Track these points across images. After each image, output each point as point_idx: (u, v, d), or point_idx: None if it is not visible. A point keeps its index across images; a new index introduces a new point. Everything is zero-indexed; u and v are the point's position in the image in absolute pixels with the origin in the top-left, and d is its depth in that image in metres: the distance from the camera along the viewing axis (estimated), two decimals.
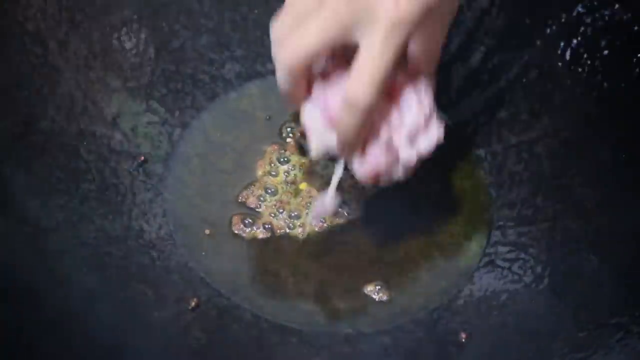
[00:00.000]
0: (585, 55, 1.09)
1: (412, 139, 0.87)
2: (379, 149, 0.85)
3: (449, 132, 0.88)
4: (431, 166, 0.93)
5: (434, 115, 0.88)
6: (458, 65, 1.19)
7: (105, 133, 1.06)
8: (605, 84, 1.07)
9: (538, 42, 1.14)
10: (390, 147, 0.86)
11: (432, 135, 0.88)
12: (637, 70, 1.04)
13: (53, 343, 0.83)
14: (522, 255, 1.00)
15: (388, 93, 0.85)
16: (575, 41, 1.10)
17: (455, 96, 1.17)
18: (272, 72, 1.19)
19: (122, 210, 1.00)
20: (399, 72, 0.87)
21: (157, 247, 0.98)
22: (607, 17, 1.07)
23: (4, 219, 0.92)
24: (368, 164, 0.85)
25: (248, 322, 0.93)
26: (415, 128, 0.86)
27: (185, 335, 0.90)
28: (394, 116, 0.85)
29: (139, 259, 0.96)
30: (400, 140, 0.85)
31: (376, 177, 0.86)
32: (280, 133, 1.11)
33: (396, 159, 0.87)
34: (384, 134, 0.85)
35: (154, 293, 0.93)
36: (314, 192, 1.04)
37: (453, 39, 1.18)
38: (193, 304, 0.91)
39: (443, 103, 1.00)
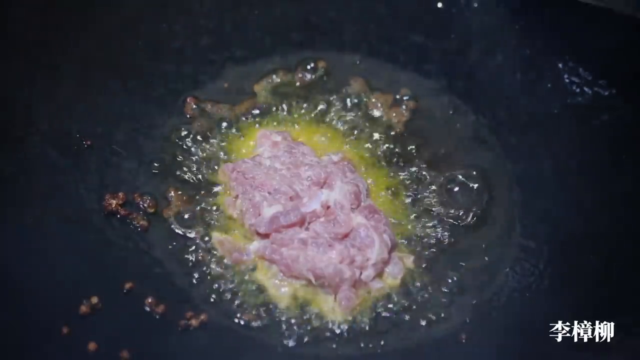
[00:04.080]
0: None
1: (378, 271, 0.95)
2: (348, 291, 0.93)
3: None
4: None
5: (396, 246, 0.98)
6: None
7: (107, 133, 1.06)
8: (607, 92, 1.08)
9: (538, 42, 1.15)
10: (359, 283, 0.94)
11: (398, 264, 0.97)
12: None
13: None
14: (523, 256, 1.00)
15: (346, 236, 0.95)
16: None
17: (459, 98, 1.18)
18: (273, 72, 1.21)
19: (125, 207, 1.01)
20: (357, 213, 0.97)
21: None
22: None
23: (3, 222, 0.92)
24: (344, 306, 0.92)
25: None
26: (380, 262, 0.95)
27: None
28: (357, 256, 0.94)
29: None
30: (368, 275, 0.94)
31: (354, 309, 0.93)
32: None
33: (367, 288, 0.95)
34: (349, 274, 0.93)
35: None
36: None
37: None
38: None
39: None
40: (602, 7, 1.02)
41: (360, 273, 0.93)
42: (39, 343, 0.83)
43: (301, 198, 0.98)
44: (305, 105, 1.16)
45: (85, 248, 0.95)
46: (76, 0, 1.09)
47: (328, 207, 0.98)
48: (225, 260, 0.97)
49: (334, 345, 0.91)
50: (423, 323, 0.93)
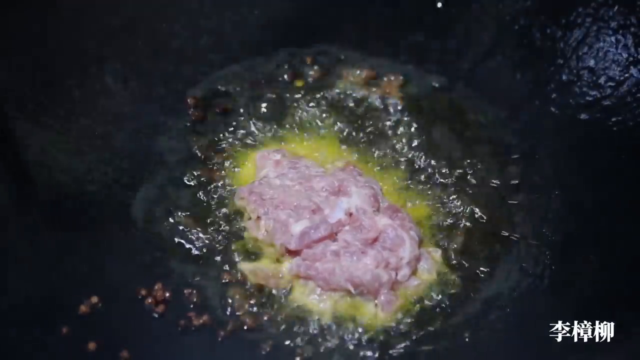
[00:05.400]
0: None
1: (413, 269, 0.95)
2: (388, 294, 0.92)
3: None
4: None
5: (422, 241, 0.98)
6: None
7: (107, 133, 1.06)
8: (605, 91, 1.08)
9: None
10: (396, 285, 0.94)
11: (429, 258, 0.96)
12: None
13: None
14: (523, 256, 1.00)
15: (375, 239, 0.95)
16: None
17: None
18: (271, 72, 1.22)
19: (126, 207, 1.01)
20: (380, 215, 0.97)
21: None
22: None
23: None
24: (386, 310, 0.92)
25: None
26: (413, 259, 0.95)
27: None
28: (391, 258, 0.94)
29: None
30: (404, 275, 0.94)
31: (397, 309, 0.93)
32: None
33: (405, 288, 0.94)
34: (387, 278, 0.92)
35: None
36: None
37: None
38: None
39: None
40: None
41: (396, 274, 0.93)
42: (38, 343, 0.83)
43: (323, 210, 0.97)
44: (302, 113, 1.16)
45: (85, 248, 0.95)
46: (76, 0, 1.09)
47: (351, 214, 0.97)
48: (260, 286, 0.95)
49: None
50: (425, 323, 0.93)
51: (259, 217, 0.99)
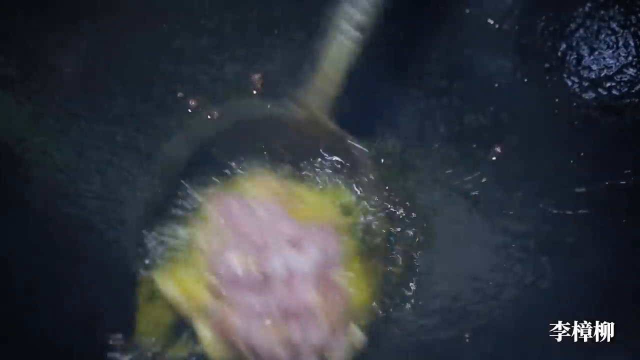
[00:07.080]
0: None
1: (319, 352, 0.87)
2: None
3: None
4: None
5: (343, 327, 0.88)
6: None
7: (107, 133, 1.06)
8: (605, 92, 1.08)
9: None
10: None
11: (341, 346, 0.88)
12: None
13: None
14: (523, 256, 1.00)
15: (296, 312, 0.86)
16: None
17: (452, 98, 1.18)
18: (272, 72, 1.21)
19: (125, 208, 1.01)
20: (314, 288, 0.87)
21: None
22: None
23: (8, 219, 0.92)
24: None
25: None
26: (323, 347, 0.87)
27: None
28: (299, 337, 0.85)
29: None
30: (306, 355, 0.86)
31: None
32: None
33: None
34: (285, 357, 0.85)
35: None
36: None
37: None
38: None
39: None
40: None
41: (300, 355, 0.86)
42: (38, 341, 0.84)
43: (268, 254, 0.88)
44: None
45: (84, 248, 0.95)
46: (76, 0, 1.09)
47: (290, 273, 0.88)
48: None
49: None
50: (428, 323, 0.94)
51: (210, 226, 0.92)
